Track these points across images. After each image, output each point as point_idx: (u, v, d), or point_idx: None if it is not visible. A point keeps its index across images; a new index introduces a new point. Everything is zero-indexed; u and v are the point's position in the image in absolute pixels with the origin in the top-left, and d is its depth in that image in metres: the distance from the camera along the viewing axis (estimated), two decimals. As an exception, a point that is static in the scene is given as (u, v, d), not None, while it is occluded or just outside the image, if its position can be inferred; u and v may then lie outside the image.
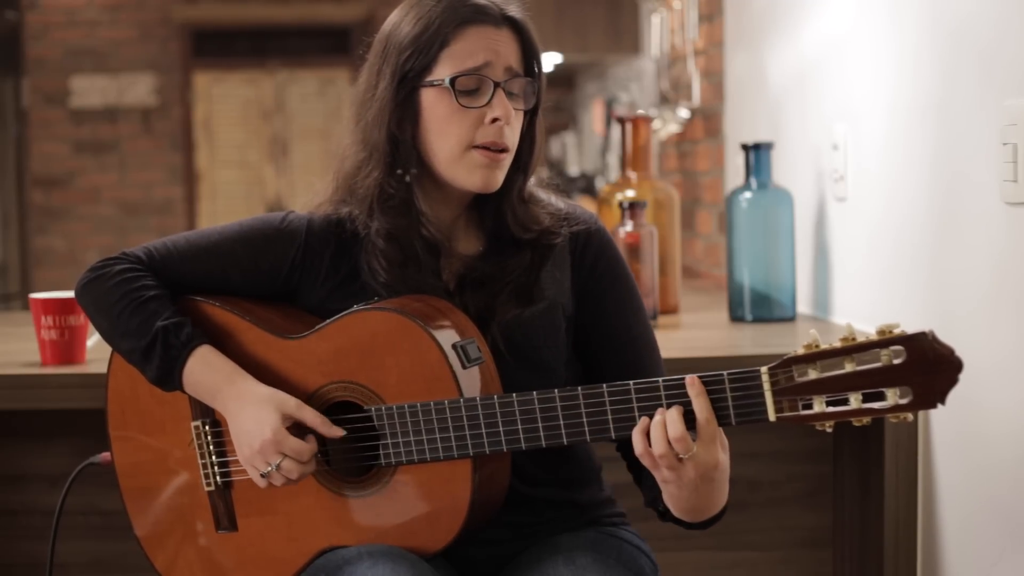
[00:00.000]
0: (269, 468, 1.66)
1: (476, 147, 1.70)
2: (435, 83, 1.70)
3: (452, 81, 1.69)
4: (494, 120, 1.69)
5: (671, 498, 1.61)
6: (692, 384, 1.54)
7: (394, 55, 1.72)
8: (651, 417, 1.55)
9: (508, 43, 1.71)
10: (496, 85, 1.69)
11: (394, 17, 1.75)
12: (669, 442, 1.53)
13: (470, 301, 1.73)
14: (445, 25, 1.70)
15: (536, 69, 1.74)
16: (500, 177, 1.73)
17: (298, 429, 1.67)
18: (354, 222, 1.76)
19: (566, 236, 1.78)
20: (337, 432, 1.66)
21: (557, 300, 1.76)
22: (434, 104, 1.71)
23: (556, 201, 1.81)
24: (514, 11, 1.73)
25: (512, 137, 1.72)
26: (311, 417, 1.66)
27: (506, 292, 1.73)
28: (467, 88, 1.69)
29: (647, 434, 1.55)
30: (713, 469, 1.55)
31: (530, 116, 1.76)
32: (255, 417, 1.66)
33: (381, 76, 1.73)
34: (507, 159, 1.73)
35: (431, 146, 1.72)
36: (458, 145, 1.70)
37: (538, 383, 1.67)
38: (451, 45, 1.70)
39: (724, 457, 1.57)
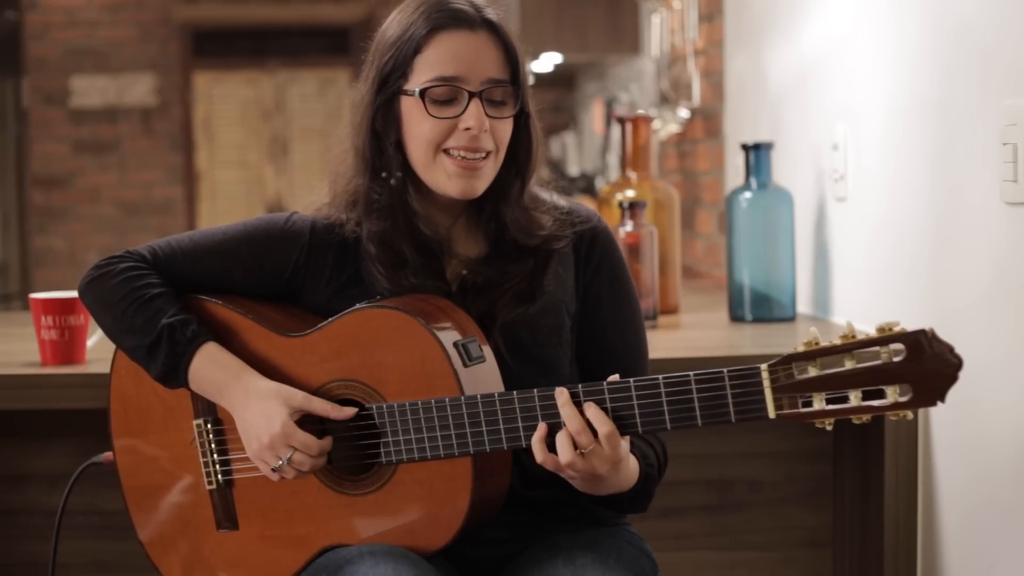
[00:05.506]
0: (280, 462, 1.66)
1: (449, 154, 1.69)
2: (408, 92, 1.70)
3: (422, 93, 1.68)
4: (467, 129, 1.69)
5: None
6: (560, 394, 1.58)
7: (378, 59, 1.73)
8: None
9: (487, 49, 1.70)
10: (471, 95, 1.69)
11: (388, 19, 1.75)
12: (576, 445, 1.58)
13: (472, 305, 1.73)
14: (419, 31, 1.69)
15: (519, 72, 1.73)
16: (480, 184, 1.72)
17: (310, 427, 1.67)
18: (349, 225, 1.76)
19: (570, 237, 1.78)
20: (348, 412, 1.66)
21: (560, 298, 1.76)
22: (410, 110, 1.71)
23: (557, 199, 1.81)
24: (491, 14, 1.71)
25: (490, 142, 1.70)
26: (320, 406, 1.67)
27: (507, 296, 1.73)
28: (440, 98, 1.69)
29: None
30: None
31: (525, 119, 1.75)
32: (263, 412, 1.67)
33: (367, 80, 1.74)
34: (487, 165, 1.71)
35: (410, 150, 1.72)
36: (430, 148, 1.70)
37: (543, 382, 1.67)
38: (424, 52, 1.69)
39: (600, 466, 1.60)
